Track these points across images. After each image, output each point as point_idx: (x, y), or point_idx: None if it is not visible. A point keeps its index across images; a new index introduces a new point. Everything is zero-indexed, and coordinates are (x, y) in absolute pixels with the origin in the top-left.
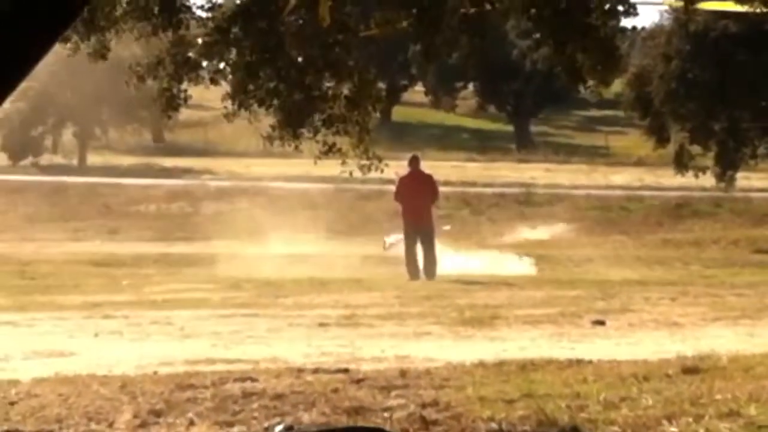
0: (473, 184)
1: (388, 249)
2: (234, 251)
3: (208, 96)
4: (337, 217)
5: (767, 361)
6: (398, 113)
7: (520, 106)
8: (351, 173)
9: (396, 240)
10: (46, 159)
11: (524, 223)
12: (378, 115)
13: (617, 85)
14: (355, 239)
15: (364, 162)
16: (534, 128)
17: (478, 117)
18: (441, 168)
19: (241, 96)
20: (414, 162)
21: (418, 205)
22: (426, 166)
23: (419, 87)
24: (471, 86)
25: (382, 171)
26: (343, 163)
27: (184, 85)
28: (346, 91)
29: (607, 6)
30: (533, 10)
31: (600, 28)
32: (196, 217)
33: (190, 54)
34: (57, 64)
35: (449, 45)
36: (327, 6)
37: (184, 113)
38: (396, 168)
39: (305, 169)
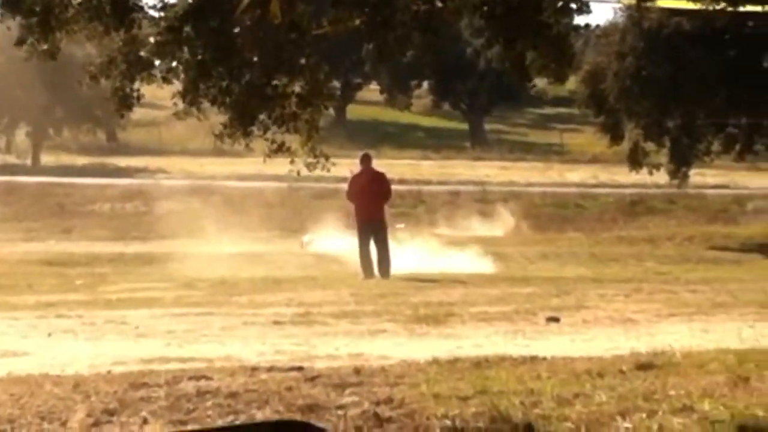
0: (428, 182)
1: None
2: (188, 250)
3: (161, 95)
4: (291, 216)
5: (721, 357)
6: (353, 112)
7: (474, 104)
8: (299, 172)
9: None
10: None
11: (479, 220)
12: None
13: (572, 83)
14: (309, 236)
15: (311, 160)
16: (488, 126)
17: (433, 115)
18: (396, 166)
19: (192, 94)
20: (366, 160)
21: (370, 204)
22: (381, 165)
23: (374, 85)
24: (425, 84)
25: (328, 170)
26: (292, 161)
27: (136, 84)
28: (297, 89)
29: (559, 3)
30: (485, 8)
31: (552, 26)
32: (150, 216)
33: (143, 53)
34: (9, 64)
35: (401, 43)
36: (278, 4)
37: (138, 112)
38: (351, 167)
39: (259, 168)
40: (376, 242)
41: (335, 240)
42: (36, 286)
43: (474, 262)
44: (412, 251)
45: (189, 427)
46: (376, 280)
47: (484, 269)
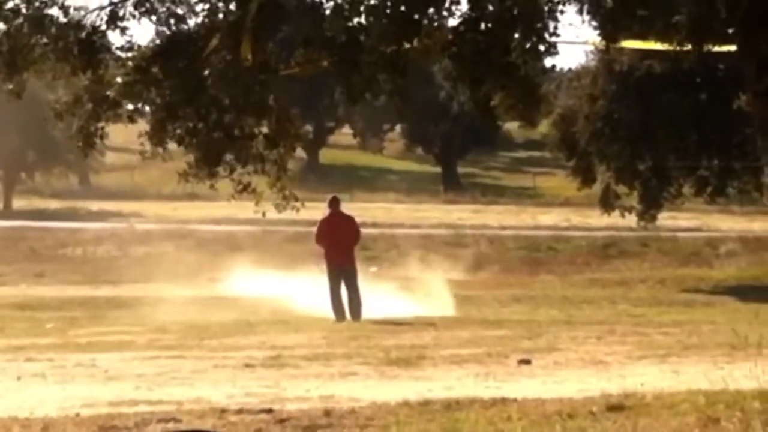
0: (401, 226)
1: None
2: (161, 294)
3: (133, 139)
4: (264, 259)
5: (692, 398)
6: (326, 156)
7: (447, 147)
8: (264, 213)
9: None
10: None
11: (452, 263)
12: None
13: (544, 126)
14: (282, 279)
15: (280, 201)
16: (461, 170)
17: (406, 159)
18: (369, 209)
19: (159, 135)
20: (334, 203)
21: (340, 247)
22: (354, 208)
23: (347, 129)
24: (398, 128)
25: (297, 210)
26: (257, 203)
27: (101, 124)
28: (265, 130)
29: (527, 45)
30: (453, 48)
31: (521, 67)
32: (123, 260)
33: (109, 93)
34: None
35: (368, 84)
36: (249, 46)
37: (111, 156)
38: (323, 210)
39: (232, 211)
40: (347, 285)
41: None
42: (6, 329)
43: (445, 305)
44: (383, 294)
45: None
46: (348, 322)
47: (454, 312)
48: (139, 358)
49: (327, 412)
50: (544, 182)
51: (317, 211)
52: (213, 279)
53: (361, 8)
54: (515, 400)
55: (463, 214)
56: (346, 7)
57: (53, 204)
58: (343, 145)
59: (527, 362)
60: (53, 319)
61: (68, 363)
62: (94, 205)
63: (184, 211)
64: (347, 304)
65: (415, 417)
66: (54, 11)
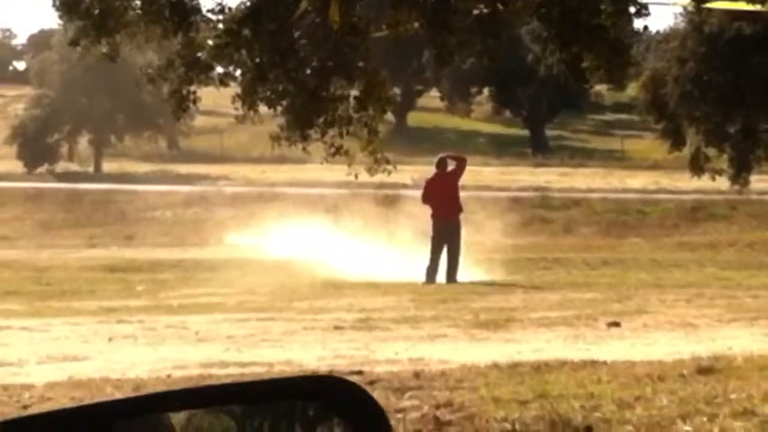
0: (489, 188)
1: None
2: (250, 256)
3: (223, 102)
4: (352, 222)
5: None
6: (414, 118)
7: (535, 110)
8: (356, 175)
9: None
10: (61, 166)
11: (539, 227)
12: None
13: (632, 89)
14: (371, 243)
15: (372, 164)
16: (549, 132)
17: (494, 122)
18: None
19: (250, 98)
20: (441, 164)
21: (446, 203)
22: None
23: (434, 92)
24: (486, 91)
25: (389, 173)
26: (350, 165)
27: (193, 87)
28: (355, 93)
29: (617, 6)
30: (543, 10)
31: (609, 29)
32: (211, 222)
33: (201, 56)
34: (72, 72)
35: (462, 46)
36: (337, 8)
37: (200, 120)
38: (412, 173)
39: (320, 174)
40: (450, 244)
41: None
42: (98, 292)
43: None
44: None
45: None
46: (437, 285)
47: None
48: (229, 320)
49: (416, 374)
50: (632, 145)
51: (405, 173)
52: (298, 240)
53: None
54: (605, 362)
55: (551, 176)
56: None
57: (143, 167)
58: (431, 108)
59: (617, 325)
60: (144, 281)
61: (159, 325)
62: (183, 169)
63: (273, 174)
64: (446, 263)
65: (504, 379)
66: None
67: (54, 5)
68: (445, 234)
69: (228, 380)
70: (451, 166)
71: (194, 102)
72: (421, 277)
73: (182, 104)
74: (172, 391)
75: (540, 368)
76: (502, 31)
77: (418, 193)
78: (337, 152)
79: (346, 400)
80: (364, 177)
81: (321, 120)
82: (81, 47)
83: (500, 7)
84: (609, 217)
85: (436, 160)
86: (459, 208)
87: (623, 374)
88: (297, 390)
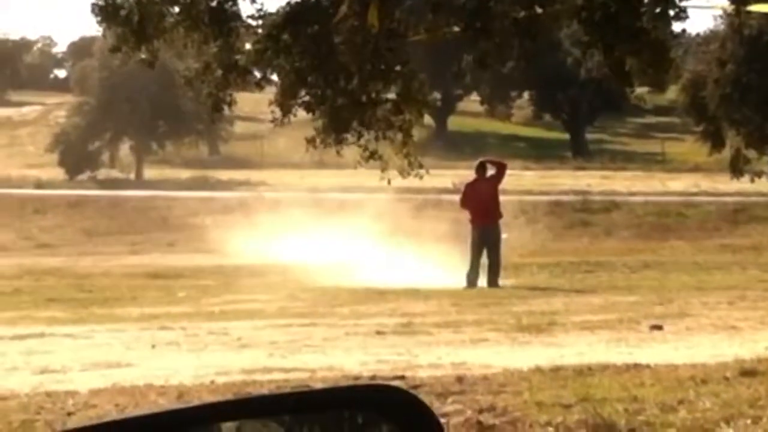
0: (529, 193)
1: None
2: (290, 262)
3: (262, 108)
4: (393, 227)
5: None
6: (454, 123)
7: (575, 114)
8: (389, 180)
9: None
10: (103, 173)
11: (580, 230)
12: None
13: (672, 92)
14: (411, 248)
15: (404, 168)
16: (590, 136)
17: (534, 125)
18: None
19: (288, 102)
20: (480, 169)
21: (485, 208)
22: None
23: (474, 96)
24: (526, 95)
25: (421, 177)
26: (384, 169)
27: (230, 91)
28: (392, 96)
29: (657, 9)
30: (584, 13)
31: (651, 32)
32: (251, 228)
33: (238, 59)
34: (113, 79)
35: (501, 49)
36: (376, 12)
37: (240, 126)
38: (452, 177)
39: (359, 179)
40: (489, 248)
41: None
42: (140, 298)
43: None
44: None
45: None
46: (478, 290)
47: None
48: (272, 325)
49: (459, 379)
50: (672, 148)
51: (445, 178)
52: (338, 246)
53: None
54: (648, 365)
55: (591, 180)
56: None
57: (183, 173)
58: (471, 112)
59: (659, 328)
60: (185, 287)
61: (201, 331)
62: (224, 174)
63: (312, 179)
64: (487, 268)
65: (547, 383)
66: None
67: (93, 12)
68: (484, 239)
69: (272, 386)
70: (491, 171)
71: (230, 105)
72: (462, 282)
73: (218, 106)
74: (226, 401)
75: (583, 372)
76: (540, 34)
77: (458, 197)
78: (371, 156)
79: (403, 410)
80: (404, 182)
81: (358, 123)
82: (121, 53)
83: (539, 10)
84: (650, 220)
85: (475, 164)
86: (498, 214)
87: (666, 377)
88: (352, 399)
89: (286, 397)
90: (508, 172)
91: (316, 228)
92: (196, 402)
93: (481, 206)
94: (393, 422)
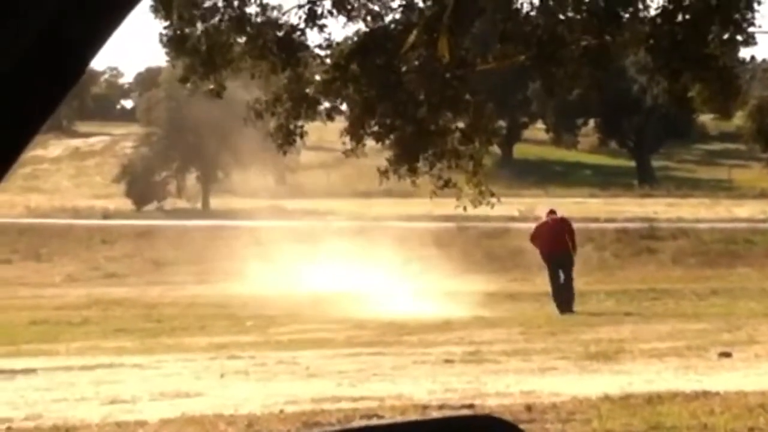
0: (596, 220)
1: None
2: (358, 291)
3: (328, 137)
4: (460, 256)
5: None
6: (520, 151)
7: (641, 141)
8: (465, 208)
9: None
10: (169, 203)
11: (647, 257)
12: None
13: (739, 118)
14: (479, 277)
15: (476, 196)
16: (655, 163)
17: (600, 153)
18: (563, 204)
19: (357, 132)
20: (551, 213)
21: (552, 240)
22: (547, 203)
23: (540, 124)
24: (592, 122)
25: (492, 206)
26: (458, 198)
27: (300, 122)
28: (461, 125)
29: (725, 36)
30: (651, 41)
31: (718, 58)
32: (319, 257)
33: (308, 90)
34: (179, 109)
35: (570, 78)
36: (446, 42)
37: (306, 155)
38: (518, 206)
39: (427, 208)
40: (563, 274)
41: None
42: (208, 328)
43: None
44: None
45: None
46: (546, 317)
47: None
48: (340, 354)
49: (528, 407)
50: (739, 174)
51: (512, 206)
52: (406, 275)
53: (566, 3)
54: (717, 393)
55: (657, 207)
56: (552, 3)
57: (250, 203)
58: (536, 140)
59: (728, 355)
60: (253, 316)
61: (270, 360)
62: (290, 204)
63: (380, 209)
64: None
65: (616, 411)
66: (252, 9)
67: (161, 42)
68: (556, 269)
69: (340, 415)
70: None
71: (301, 136)
72: (529, 308)
73: (289, 138)
74: None
75: (652, 400)
76: (609, 63)
77: (525, 225)
78: (445, 185)
79: None
80: (471, 210)
81: (429, 153)
82: (189, 84)
83: (608, 38)
84: (717, 247)
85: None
86: (570, 246)
87: (736, 405)
88: (450, 430)
89: (382, 430)
90: (574, 198)
91: (384, 256)
92: (257, 429)
93: (548, 240)
94: None
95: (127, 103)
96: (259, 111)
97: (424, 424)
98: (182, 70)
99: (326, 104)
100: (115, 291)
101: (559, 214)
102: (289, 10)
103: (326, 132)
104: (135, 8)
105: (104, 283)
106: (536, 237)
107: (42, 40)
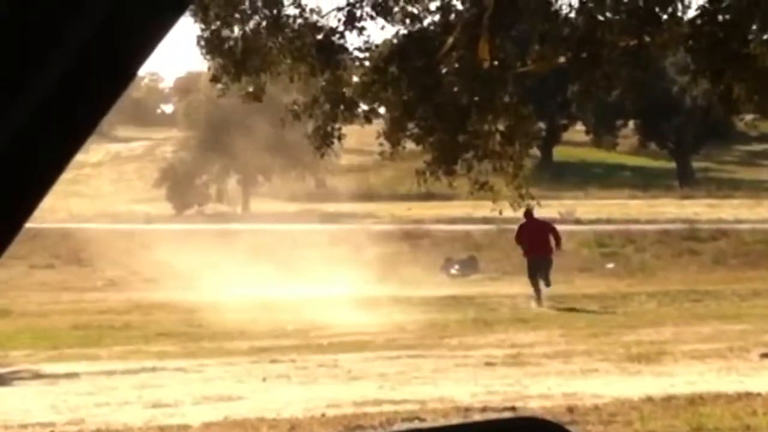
0: (636, 221)
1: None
2: (397, 294)
3: (367, 141)
4: (500, 258)
5: None
6: (559, 153)
7: (681, 142)
8: (501, 211)
9: None
10: (210, 207)
11: (688, 259)
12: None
13: None
14: (519, 279)
15: (516, 199)
16: (696, 164)
17: (640, 154)
18: (603, 206)
19: (396, 134)
20: (528, 214)
21: (535, 243)
22: (588, 205)
23: (579, 126)
24: (631, 124)
25: (532, 208)
26: (494, 201)
27: (338, 125)
28: (501, 128)
29: (765, 36)
30: (690, 42)
31: (758, 58)
32: (358, 260)
33: (346, 92)
34: (219, 113)
35: (609, 79)
36: (486, 44)
37: (345, 158)
38: (558, 208)
39: (467, 210)
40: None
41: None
42: (249, 331)
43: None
44: None
45: None
46: (587, 320)
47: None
48: (381, 357)
49: (570, 409)
50: None
51: (551, 208)
52: (448, 278)
53: (605, 4)
54: (759, 394)
55: (698, 208)
56: (591, 4)
57: (290, 207)
58: (576, 142)
59: None
60: (294, 320)
61: (311, 364)
62: (330, 207)
63: (419, 211)
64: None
65: (659, 412)
66: (290, 11)
67: (198, 44)
68: (535, 265)
69: (382, 419)
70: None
71: (339, 138)
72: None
73: (327, 140)
74: None
75: (694, 401)
76: (648, 64)
77: (566, 227)
78: (482, 187)
79: None
80: (509, 212)
81: (468, 155)
82: (221, 84)
83: (647, 39)
84: (758, 248)
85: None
86: (545, 249)
87: None
88: None
89: None
90: (614, 200)
91: (423, 260)
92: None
93: (531, 242)
94: None
95: (167, 108)
96: (297, 113)
97: (468, 427)
98: (214, 70)
99: (364, 107)
100: (155, 295)
101: (599, 215)
102: (328, 13)
103: (365, 135)
104: (182, 15)
105: (145, 288)
106: (520, 237)
107: (90, 48)
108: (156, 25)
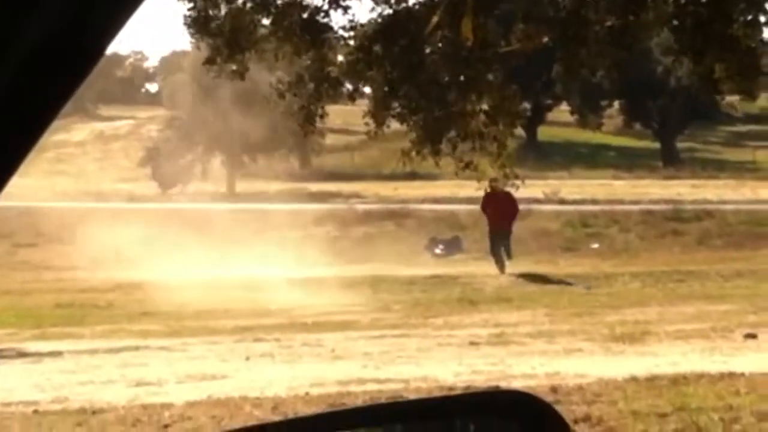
0: (621, 202)
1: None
2: (381, 273)
3: (353, 120)
4: (485, 238)
5: None
6: (544, 133)
7: (665, 123)
8: (486, 190)
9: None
10: (195, 187)
11: (672, 239)
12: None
13: (763, 100)
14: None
15: (500, 178)
16: (680, 145)
17: (624, 135)
18: (588, 186)
19: (381, 113)
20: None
21: (499, 214)
22: (572, 185)
23: (564, 106)
24: (616, 104)
25: (517, 188)
26: (479, 180)
27: (321, 103)
28: (485, 107)
29: (749, 17)
30: (675, 21)
31: (741, 40)
32: (343, 240)
33: (330, 71)
34: (204, 93)
35: (593, 58)
36: (470, 23)
37: (331, 138)
38: (543, 187)
39: (452, 190)
40: (503, 241)
41: None
42: (233, 311)
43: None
44: None
45: None
46: (569, 299)
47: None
48: (365, 337)
49: (554, 389)
50: (764, 156)
51: (536, 188)
52: (433, 257)
53: None
54: (743, 374)
55: (682, 189)
56: None
57: (275, 186)
58: (561, 122)
59: (753, 336)
60: (277, 299)
61: (295, 343)
62: (315, 187)
63: (404, 191)
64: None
65: (642, 392)
66: None
67: (185, 24)
68: (497, 235)
69: (366, 398)
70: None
71: (321, 117)
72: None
73: (310, 119)
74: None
75: (678, 381)
76: (633, 43)
77: (550, 207)
78: (467, 167)
79: (530, 414)
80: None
81: (452, 134)
82: (215, 65)
83: (632, 18)
84: (742, 228)
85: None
86: (507, 222)
87: (761, 386)
88: (476, 405)
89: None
90: (599, 181)
91: (409, 239)
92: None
93: (495, 213)
94: (522, 427)
95: (152, 87)
96: (282, 92)
97: (452, 399)
98: (208, 51)
99: (349, 86)
100: (138, 274)
101: (583, 195)
102: None
103: (351, 115)
104: None
105: (128, 267)
106: (486, 207)
107: (58, 25)
108: (124, 2)
